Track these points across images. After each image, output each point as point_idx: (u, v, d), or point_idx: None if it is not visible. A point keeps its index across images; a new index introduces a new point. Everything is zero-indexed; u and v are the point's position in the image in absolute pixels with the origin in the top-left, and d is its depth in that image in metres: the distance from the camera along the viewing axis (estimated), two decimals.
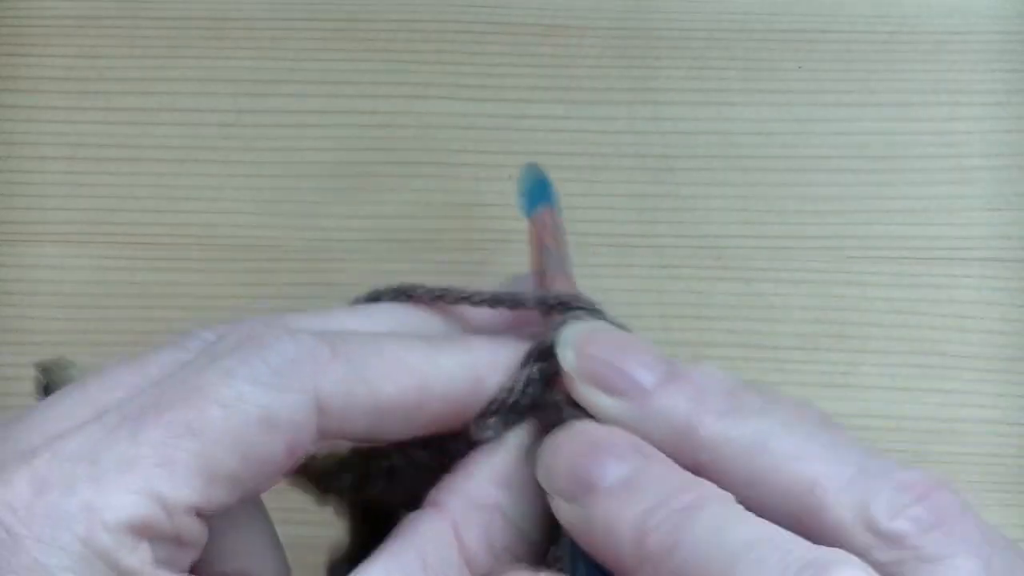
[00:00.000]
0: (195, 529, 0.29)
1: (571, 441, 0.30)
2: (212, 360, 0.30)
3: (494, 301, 0.35)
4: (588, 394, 0.31)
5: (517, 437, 0.32)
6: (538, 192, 0.36)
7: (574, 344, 0.32)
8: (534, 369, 0.33)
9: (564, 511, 0.30)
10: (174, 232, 0.51)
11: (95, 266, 0.51)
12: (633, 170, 0.52)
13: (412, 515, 0.31)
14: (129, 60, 0.53)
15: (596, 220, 0.51)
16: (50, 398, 0.31)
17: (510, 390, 0.32)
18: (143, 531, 0.28)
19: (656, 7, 0.53)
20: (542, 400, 0.33)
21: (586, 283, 0.51)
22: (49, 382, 0.33)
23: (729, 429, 0.30)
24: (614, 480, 0.29)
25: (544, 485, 0.31)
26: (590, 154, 0.52)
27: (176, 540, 0.29)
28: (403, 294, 0.35)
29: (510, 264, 0.51)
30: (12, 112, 0.53)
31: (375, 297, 0.35)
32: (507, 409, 0.32)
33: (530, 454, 0.32)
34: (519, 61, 0.52)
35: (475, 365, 0.33)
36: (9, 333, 0.50)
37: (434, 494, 0.32)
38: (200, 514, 0.29)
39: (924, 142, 0.51)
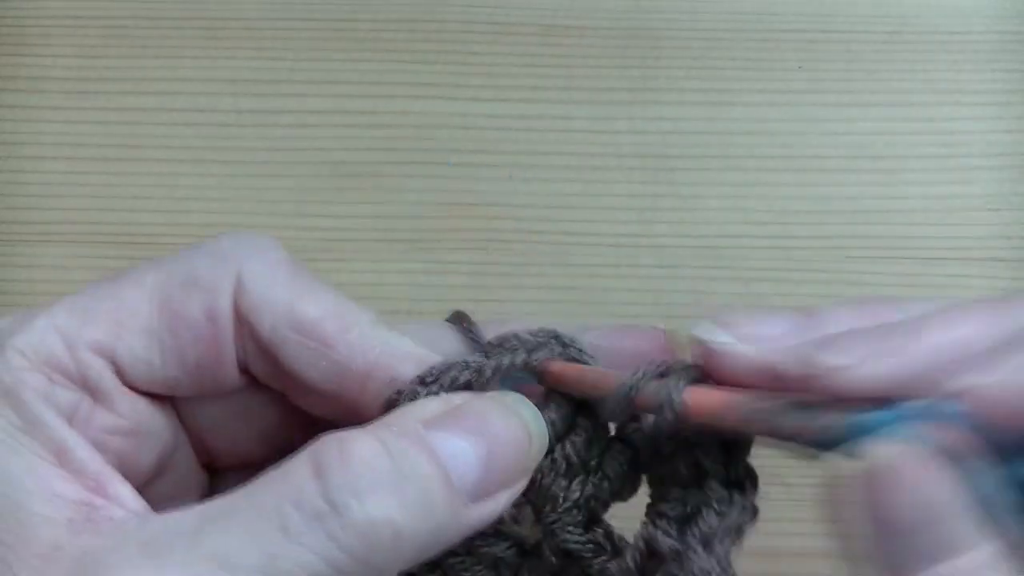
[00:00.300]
0: (104, 377, 0.30)
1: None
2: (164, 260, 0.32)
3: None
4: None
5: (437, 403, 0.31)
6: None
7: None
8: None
9: None
10: (174, 232, 0.51)
11: (95, 266, 0.51)
12: (633, 170, 0.52)
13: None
14: (129, 60, 0.53)
15: (596, 220, 0.51)
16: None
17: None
18: (44, 363, 0.29)
19: (656, 7, 0.53)
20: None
21: (586, 283, 0.51)
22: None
23: None
24: None
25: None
26: (590, 154, 0.52)
27: (78, 380, 0.30)
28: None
29: (510, 264, 0.51)
30: (12, 112, 0.53)
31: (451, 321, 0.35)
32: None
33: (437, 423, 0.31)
34: (519, 61, 0.52)
35: (404, 348, 0.32)
36: None
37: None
38: (118, 368, 0.30)
39: (924, 142, 0.51)
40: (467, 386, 0.31)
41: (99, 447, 0.29)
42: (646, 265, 0.51)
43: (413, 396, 0.31)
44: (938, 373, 0.28)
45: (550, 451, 0.32)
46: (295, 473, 0.27)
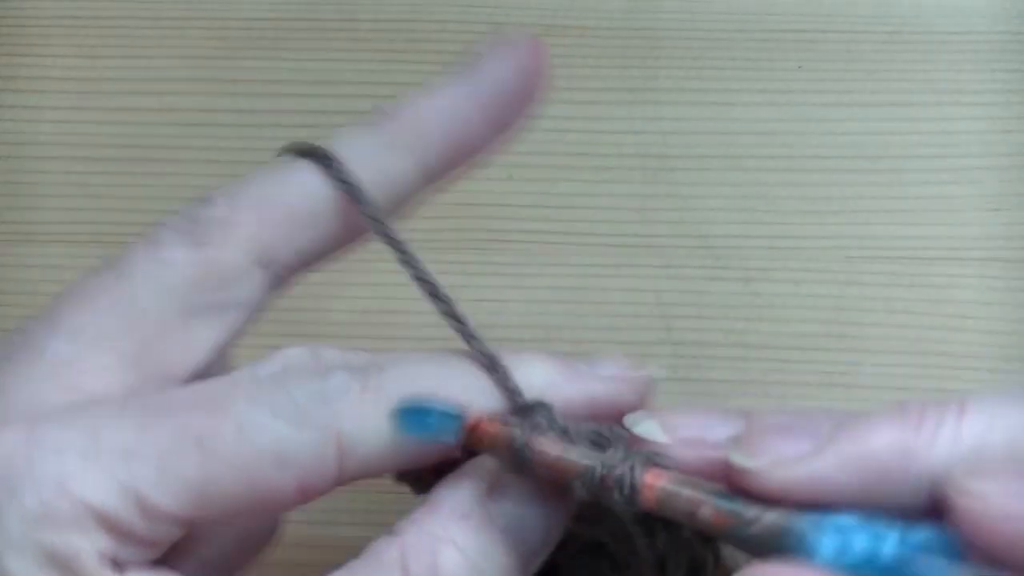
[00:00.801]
0: (174, 534, 0.29)
1: None
2: (241, 382, 0.30)
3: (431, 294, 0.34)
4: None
5: (484, 472, 0.31)
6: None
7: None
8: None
9: None
10: None
11: (95, 266, 0.51)
12: (633, 170, 0.52)
13: (377, 541, 0.30)
14: (129, 60, 0.53)
15: (596, 220, 0.51)
16: (37, 328, 0.31)
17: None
18: (106, 523, 0.27)
19: (656, 7, 0.53)
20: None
21: (586, 283, 0.51)
22: None
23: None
24: None
25: None
26: (590, 154, 0.52)
27: (145, 543, 0.28)
28: (326, 165, 0.33)
29: (510, 264, 0.51)
30: (12, 112, 0.53)
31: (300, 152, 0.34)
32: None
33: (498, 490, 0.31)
34: None
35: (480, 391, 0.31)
36: (9, 333, 0.50)
37: (396, 523, 0.31)
38: (185, 524, 0.29)
39: (924, 142, 0.51)
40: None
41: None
42: (646, 265, 0.51)
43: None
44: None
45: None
46: None
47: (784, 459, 0.28)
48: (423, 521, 0.30)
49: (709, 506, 0.29)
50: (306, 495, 0.29)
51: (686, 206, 0.51)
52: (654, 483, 0.29)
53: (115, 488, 0.27)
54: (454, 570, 0.28)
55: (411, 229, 0.52)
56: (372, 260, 0.52)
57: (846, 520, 0.28)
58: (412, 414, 0.30)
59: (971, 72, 0.52)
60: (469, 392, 0.31)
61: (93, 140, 0.52)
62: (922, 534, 0.27)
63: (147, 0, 0.53)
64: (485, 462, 0.30)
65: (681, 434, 0.30)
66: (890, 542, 0.27)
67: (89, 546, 0.27)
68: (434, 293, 0.33)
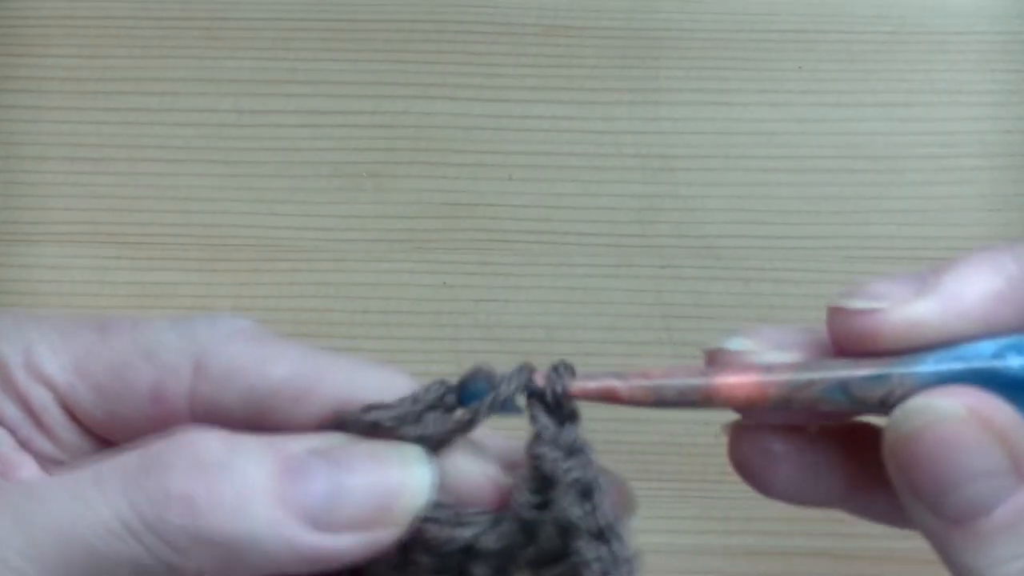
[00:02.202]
0: (46, 406, 0.31)
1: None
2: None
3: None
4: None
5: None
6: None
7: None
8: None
9: None
10: (174, 232, 0.51)
11: (95, 266, 0.51)
12: (633, 170, 0.52)
13: None
14: (129, 60, 0.53)
15: (596, 220, 0.51)
16: None
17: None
18: None
19: (656, 8, 0.53)
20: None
21: (586, 283, 0.51)
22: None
23: None
24: None
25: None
26: (590, 154, 0.52)
27: (27, 408, 0.31)
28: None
29: (510, 264, 0.51)
30: (12, 112, 0.53)
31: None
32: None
33: None
34: (519, 61, 0.52)
35: (368, 383, 0.31)
36: None
37: None
38: (63, 403, 0.31)
39: (924, 142, 0.51)
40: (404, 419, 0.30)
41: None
42: (646, 265, 0.51)
43: (356, 423, 0.30)
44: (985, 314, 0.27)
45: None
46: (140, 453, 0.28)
47: (903, 299, 0.28)
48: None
49: (855, 379, 0.28)
50: (157, 401, 0.31)
51: (686, 206, 0.51)
52: (779, 377, 0.28)
53: (10, 344, 0.31)
54: (209, 448, 0.29)
55: (412, 229, 0.52)
56: (372, 260, 0.52)
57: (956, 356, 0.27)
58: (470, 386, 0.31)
59: (971, 72, 0.52)
60: (331, 364, 0.32)
61: (93, 140, 0.52)
62: None
63: (147, 0, 0.53)
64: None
65: (768, 339, 0.30)
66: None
67: None
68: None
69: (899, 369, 0.28)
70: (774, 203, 0.51)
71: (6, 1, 0.53)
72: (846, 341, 0.29)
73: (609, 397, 0.30)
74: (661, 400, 0.30)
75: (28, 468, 0.31)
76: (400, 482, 0.29)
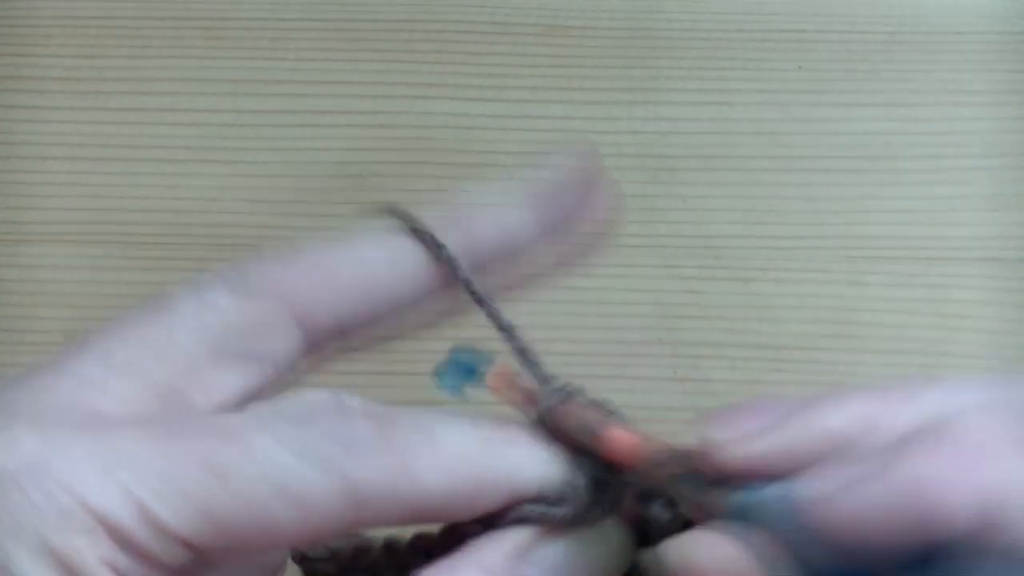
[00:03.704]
0: (176, 555, 0.28)
1: None
2: (263, 416, 0.29)
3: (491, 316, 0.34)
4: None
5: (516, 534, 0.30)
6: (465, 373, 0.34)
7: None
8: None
9: None
10: (174, 232, 0.51)
11: (95, 266, 0.51)
12: (633, 170, 0.52)
13: None
14: (129, 60, 0.53)
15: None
16: (71, 355, 0.31)
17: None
18: (111, 530, 0.27)
19: (656, 8, 0.53)
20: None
21: (586, 283, 0.51)
22: None
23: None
24: None
25: None
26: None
27: (150, 559, 0.28)
28: (410, 227, 0.33)
29: None
30: (12, 112, 0.53)
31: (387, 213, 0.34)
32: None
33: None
34: (519, 61, 0.52)
35: (532, 461, 0.31)
36: (9, 333, 0.50)
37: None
38: (187, 546, 0.28)
39: (924, 142, 0.51)
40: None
41: None
42: (646, 265, 0.51)
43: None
44: (815, 458, 0.28)
45: None
46: None
47: (747, 435, 0.28)
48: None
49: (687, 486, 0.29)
50: (308, 535, 0.29)
51: (686, 206, 0.51)
52: (645, 448, 0.30)
53: (122, 497, 0.27)
54: None
55: None
56: None
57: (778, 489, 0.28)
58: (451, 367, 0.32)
59: (971, 72, 0.52)
60: (488, 457, 0.31)
61: (93, 140, 0.52)
62: None
63: (147, 0, 0.53)
64: (516, 529, 0.30)
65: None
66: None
67: (93, 551, 0.27)
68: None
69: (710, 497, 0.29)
70: (774, 203, 0.51)
71: (6, 1, 0.53)
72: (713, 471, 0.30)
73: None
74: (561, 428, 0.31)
75: None
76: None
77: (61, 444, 0.28)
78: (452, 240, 0.34)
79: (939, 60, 0.52)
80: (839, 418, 0.28)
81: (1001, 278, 0.50)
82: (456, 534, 0.31)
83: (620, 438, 0.30)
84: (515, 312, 0.51)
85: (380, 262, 0.34)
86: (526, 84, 0.52)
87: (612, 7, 0.53)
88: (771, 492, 0.28)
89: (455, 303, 0.35)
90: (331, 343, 0.34)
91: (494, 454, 0.30)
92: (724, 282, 0.50)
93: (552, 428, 0.31)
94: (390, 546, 0.33)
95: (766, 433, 0.28)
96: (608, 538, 0.31)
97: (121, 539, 0.27)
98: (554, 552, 0.30)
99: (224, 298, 0.32)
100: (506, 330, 0.34)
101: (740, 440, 0.28)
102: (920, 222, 0.51)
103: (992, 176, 0.51)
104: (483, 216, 0.35)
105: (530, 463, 0.31)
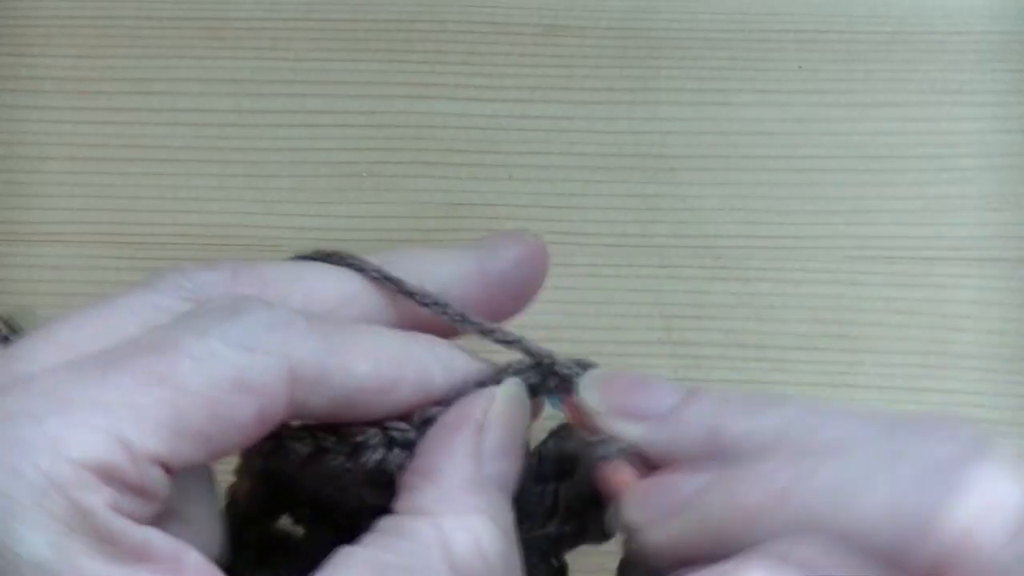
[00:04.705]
0: (158, 481, 0.29)
1: None
2: (187, 321, 0.30)
3: (443, 311, 0.34)
4: (616, 426, 0.32)
5: (469, 436, 0.32)
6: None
7: (596, 384, 0.33)
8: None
9: None
10: (174, 232, 0.51)
11: (95, 266, 0.51)
12: (633, 170, 0.52)
13: (404, 518, 0.31)
14: (129, 60, 0.53)
15: (596, 220, 0.51)
16: (18, 343, 0.31)
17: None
18: (105, 473, 0.28)
19: (656, 8, 0.53)
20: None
21: (586, 283, 0.51)
22: (12, 332, 0.34)
23: (753, 423, 0.30)
24: None
25: None
26: (590, 154, 0.52)
27: (138, 490, 0.28)
28: (352, 265, 0.34)
29: None
30: (12, 112, 0.53)
31: (318, 258, 0.35)
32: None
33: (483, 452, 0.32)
34: (519, 61, 0.52)
35: (445, 361, 0.33)
36: None
37: (408, 497, 0.31)
38: (165, 467, 0.29)
39: (924, 142, 0.51)
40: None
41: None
42: (646, 265, 0.51)
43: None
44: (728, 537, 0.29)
45: (545, 479, 0.33)
46: None
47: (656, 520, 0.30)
48: (441, 497, 0.30)
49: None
50: (264, 424, 0.30)
51: (686, 206, 0.51)
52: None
53: (102, 436, 0.28)
54: (491, 542, 0.29)
55: (412, 229, 0.52)
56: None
57: None
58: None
59: (971, 72, 0.52)
60: (403, 346, 0.33)
61: (93, 140, 0.52)
62: None
63: (147, 0, 0.53)
64: (459, 433, 0.32)
65: (615, 402, 0.32)
66: None
67: (99, 499, 0.28)
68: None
69: None
70: (774, 203, 0.51)
71: (6, 1, 0.53)
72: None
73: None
74: None
75: (194, 556, 0.29)
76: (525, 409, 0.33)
77: (13, 410, 0.28)
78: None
79: (939, 60, 0.52)
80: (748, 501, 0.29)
81: (1001, 278, 0.50)
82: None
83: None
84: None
85: (330, 292, 0.34)
86: (526, 84, 0.52)
87: (612, 7, 0.53)
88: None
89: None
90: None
91: (411, 353, 0.32)
92: (724, 282, 0.50)
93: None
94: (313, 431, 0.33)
95: (668, 520, 0.30)
96: (523, 404, 0.33)
97: (114, 477, 0.28)
98: (495, 441, 0.32)
99: (168, 300, 0.33)
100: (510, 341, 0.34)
101: (648, 528, 0.30)
102: (920, 222, 0.51)
103: (992, 176, 0.51)
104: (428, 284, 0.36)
105: (439, 368, 0.33)
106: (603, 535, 0.33)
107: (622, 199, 0.51)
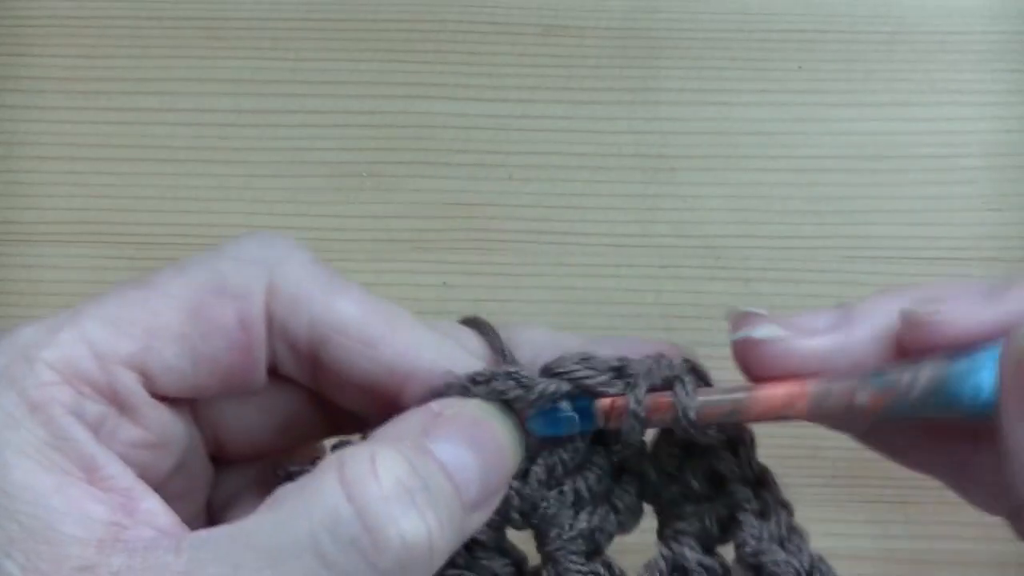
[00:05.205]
0: (133, 390, 0.29)
1: None
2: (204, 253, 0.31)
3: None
4: (804, 344, 0.31)
5: (418, 419, 0.31)
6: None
7: (774, 322, 0.32)
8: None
9: None
10: (174, 232, 0.51)
11: (95, 266, 0.51)
12: (633, 170, 0.52)
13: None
14: (129, 60, 0.53)
15: (596, 220, 0.51)
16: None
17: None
18: (74, 376, 0.28)
19: (656, 8, 0.53)
20: None
21: (586, 283, 0.51)
22: None
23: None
24: None
25: None
26: (590, 154, 0.52)
27: (108, 394, 0.29)
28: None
29: (510, 264, 0.51)
30: (12, 112, 0.53)
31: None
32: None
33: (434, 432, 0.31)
34: (519, 61, 0.52)
35: (450, 349, 0.32)
36: None
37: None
38: (146, 377, 0.29)
39: (924, 142, 0.51)
40: (510, 400, 0.31)
41: (126, 460, 0.29)
42: (646, 265, 0.51)
43: (463, 392, 0.31)
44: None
45: (559, 483, 0.32)
46: (325, 493, 0.27)
47: (957, 305, 0.29)
48: (363, 445, 0.30)
49: (864, 390, 0.29)
50: (246, 327, 0.30)
51: (686, 206, 0.51)
52: (801, 391, 0.30)
53: (67, 337, 0.29)
54: (392, 467, 0.28)
55: (412, 229, 0.52)
56: (372, 260, 0.52)
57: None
58: (543, 417, 0.31)
59: (971, 72, 0.52)
60: (403, 318, 0.32)
61: (93, 140, 0.52)
62: None
63: (147, 0, 0.53)
64: (415, 413, 0.31)
65: (798, 325, 0.31)
66: None
67: (53, 398, 0.28)
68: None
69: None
70: (774, 203, 0.51)
71: (6, 1, 0.53)
72: (758, 368, 0.31)
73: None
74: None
75: (149, 501, 0.28)
76: (510, 442, 0.31)
77: (16, 331, 0.29)
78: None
79: (939, 60, 0.52)
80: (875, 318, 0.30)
81: (1001, 278, 0.50)
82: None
83: (769, 396, 0.30)
84: (514, 312, 0.51)
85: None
86: (526, 84, 0.52)
87: (612, 7, 0.53)
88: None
89: None
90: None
91: (409, 321, 0.32)
92: (724, 282, 0.50)
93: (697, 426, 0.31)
94: None
95: (983, 307, 0.29)
96: (505, 426, 0.31)
97: (77, 376, 0.29)
98: (453, 428, 0.30)
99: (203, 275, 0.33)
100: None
101: (955, 309, 0.29)
102: (920, 222, 0.51)
103: (992, 176, 0.51)
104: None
105: (441, 347, 0.32)
106: (634, 511, 0.33)
107: (622, 199, 0.51)
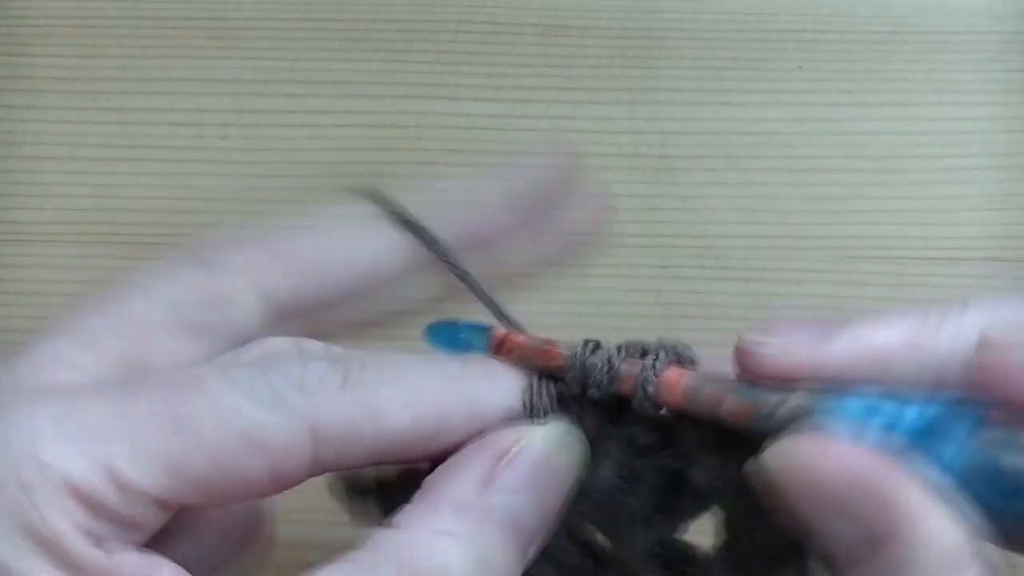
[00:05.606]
0: (151, 515, 0.28)
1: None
2: (222, 365, 0.30)
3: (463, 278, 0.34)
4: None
5: (479, 463, 0.30)
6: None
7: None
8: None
9: None
10: (174, 232, 0.51)
11: (95, 266, 0.51)
12: (633, 170, 0.52)
13: (376, 532, 0.30)
14: (129, 60, 0.53)
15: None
16: (49, 333, 0.31)
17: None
18: (85, 499, 0.27)
19: (656, 7, 0.53)
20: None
21: (587, 283, 0.51)
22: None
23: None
24: None
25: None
26: (590, 154, 0.52)
27: (125, 522, 0.28)
28: (389, 211, 0.34)
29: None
30: (12, 112, 0.53)
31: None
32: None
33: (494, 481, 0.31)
34: (519, 61, 0.52)
35: (502, 392, 0.32)
36: (9, 333, 0.50)
37: (404, 514, 0.30)
38: (161, 505, 0.28)
39: (924, 142, 0.51)
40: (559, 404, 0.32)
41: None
42: (646, 265, 0.51)
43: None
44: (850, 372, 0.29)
45: (624, 500, 0.32)
46: None
47: (795, 343, 0.29)
48: (423, 514, 0.29)
49: (731, 398, 0.30)
50: (279, 483, 0.29)
51: (686, 206, 0.51)
52: (678, 380, 0.31)
53: (89, 462, 0.27)
54: (456, 564, 0.28)
55: None
56: None
57: (865, 397, 0.29)
58: (442, 331, 0.31)
59: (971, 72, 0.52)
60: (450, 393, 0.31)
61: (93, 140, 0.52)
62: (939, 406, 0.28)
63: (147, 0, 0.53)
64: (477, 456, 0.30)
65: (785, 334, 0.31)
66: (912, 411, 0.28)
67: (70, 522, 0.27)
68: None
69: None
70: (774, 203, 0.51)
71: (6, 1, 0.53)
72: (746, 372, 0.31)
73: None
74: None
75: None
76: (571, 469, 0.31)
77: (18, 414, 0.28)
78: (430, 225, 0.34)
79: (939, 60, 0.52)
80: (885, 335, 0.29)
81: (1001, 278, 0.50)
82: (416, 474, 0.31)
83: (671, 382, 0.31)
84: (514, 313, 0.51)
85: (349, 243, 0.35)
86: (526, 84, 0.52)
87: (611, 7, 0.53)
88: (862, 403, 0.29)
89: (438, 289, 0.35)
90: (298, 319, 0.34)
91: (455, 389, 0.31)
92: (724, 282, 0.50)
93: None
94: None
95: (814, 344, 0.29)
96: (569, 452, 0.31)
97: (93, 504, 0.27)
98: (517, 474, 0.30)
99: (183, 272, 0.32)
100: (500, 312, 0.34)
101: (788, 348, 0.29)
102: (920, 222, 0.51)
103: (992, 176, 0.51)
104: (459, 207, 0.36)
105: (490, 395, 0.31)
106: (702, 499, 0.33)
107: (622, 199, 0.51)
